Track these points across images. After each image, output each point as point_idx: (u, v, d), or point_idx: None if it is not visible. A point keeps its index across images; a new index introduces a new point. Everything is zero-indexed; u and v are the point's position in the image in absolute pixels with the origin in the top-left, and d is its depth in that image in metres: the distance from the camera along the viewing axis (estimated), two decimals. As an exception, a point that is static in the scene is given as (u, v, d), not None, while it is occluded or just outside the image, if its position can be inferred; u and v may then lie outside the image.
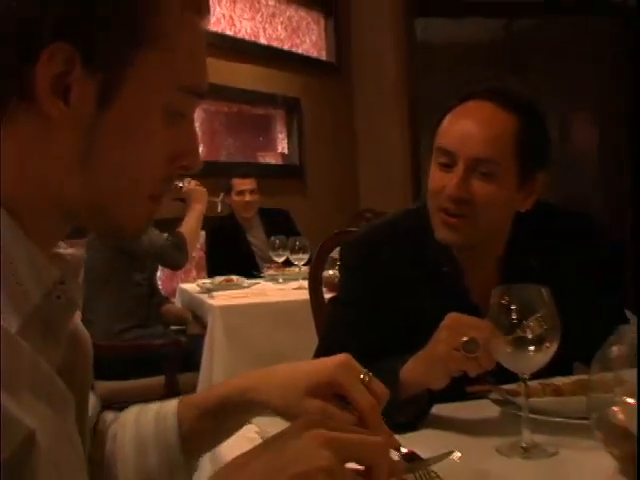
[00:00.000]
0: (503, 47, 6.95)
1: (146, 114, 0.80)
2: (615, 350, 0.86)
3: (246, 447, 1.21)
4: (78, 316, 0.93)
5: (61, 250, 0.86)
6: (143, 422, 1.05)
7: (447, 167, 1.58)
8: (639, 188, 5.90)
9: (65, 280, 0.80)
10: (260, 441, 1.29)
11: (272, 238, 4.21)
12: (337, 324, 1.73)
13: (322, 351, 1.67)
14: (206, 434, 1.06)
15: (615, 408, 0.85)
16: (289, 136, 6.22)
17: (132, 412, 1.07)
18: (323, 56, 6.49)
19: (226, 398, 1.05)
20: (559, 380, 1.43)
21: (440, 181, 1.58)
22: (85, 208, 0.82)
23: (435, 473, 1.02)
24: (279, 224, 4.69)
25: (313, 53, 6.40)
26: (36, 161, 0.78)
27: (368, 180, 6.45)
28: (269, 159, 6.17)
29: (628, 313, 1.69)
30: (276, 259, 4.15)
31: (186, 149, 0.86)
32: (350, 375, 1.00)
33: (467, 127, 1.58)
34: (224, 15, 5.57)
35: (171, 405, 1.06)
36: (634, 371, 0.84)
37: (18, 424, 0.67)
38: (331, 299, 2.01)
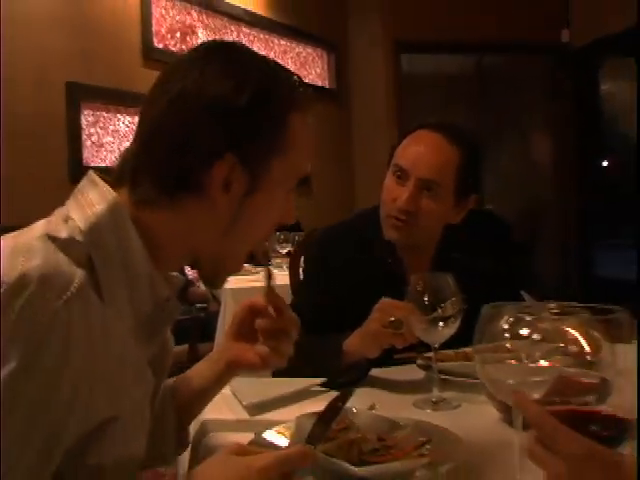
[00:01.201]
0: (474, 78, 6.94)
1: (275, 200, 0.91)
2: (489, 324, 0.91)
3: (221, 401, 1.28)
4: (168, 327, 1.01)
5: (174, 273, 0.96)
6: None
7: (400, 180, 1.62)
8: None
9: (170, 298, 0.89)
10: (231, 395, 1.36)
11: (278, 233, 4.26)
12: (300, 304, 1.72)
13: None
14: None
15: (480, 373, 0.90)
16: (297, 151, 6.25)
17: None
18: (326, 85, 6.48)
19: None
20: (469, 349, 1.48)
21: (393, 192, 1.62)
22: (208, 258, 0.92)
23: (351, 421, 1.04)
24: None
25: (318, 82, 6.39)
26: (191, 227, 0.87)
27: (363, 186, 6.47)
28: (280, 169, 6.22)
29: (526, 295, 1.73)
30: (280, 251, 4.20)
31: (288, 215, 0.96)
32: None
33: (420, 151, 1.61)
34: (243, 52, 5.59)
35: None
36: (496, 343, 0.89)
37: (93, 413, 0.75)
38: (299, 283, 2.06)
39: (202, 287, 4.28)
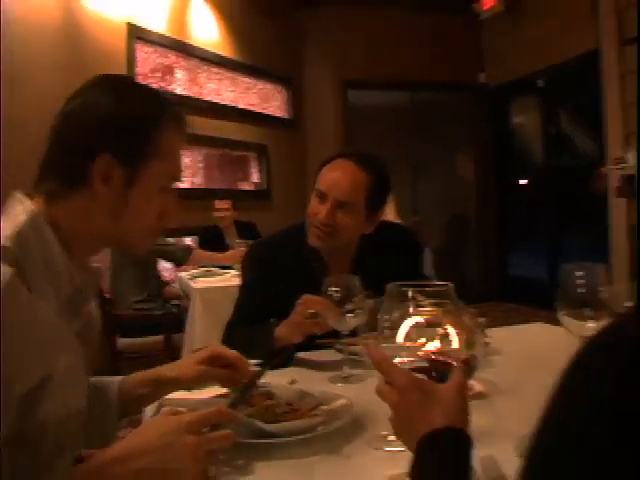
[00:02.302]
0: (409, 111, 7.09)
1: (150, 192, 0.96)
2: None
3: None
4: (94, 304, 1.05)
5: (92, 264, 1.01)
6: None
7: (321, 199, 1.71)
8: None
9: (86, 283, 0.95)
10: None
11: (238, 241, 4.30)
12: (242, 299, 1.80)
13: (236, 313, 1.78)
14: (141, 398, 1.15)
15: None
16: (260, 170, 6.28)
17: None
18: (284, 115, 6.55)
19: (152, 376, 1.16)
20: (374, 335, 1.56)
21: (316, 208, 1.71)
22: (112, 240, 0.99)
23: (271, 392, 1.15)
24: (247, 232, 4.78)
25: (277, 113, 6.46)
26: (86, 216, 0.93)
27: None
28: (245, 186, 6.22)
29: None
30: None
31: (168, 210, 1.00)
32: (223, 348, 1.18)
33: (335, 177, 1.69)
34: (213, 89, 5.64)
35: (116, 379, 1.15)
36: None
37: (32, 371, 0.80)
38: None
39: (176, 287, 4.33)
